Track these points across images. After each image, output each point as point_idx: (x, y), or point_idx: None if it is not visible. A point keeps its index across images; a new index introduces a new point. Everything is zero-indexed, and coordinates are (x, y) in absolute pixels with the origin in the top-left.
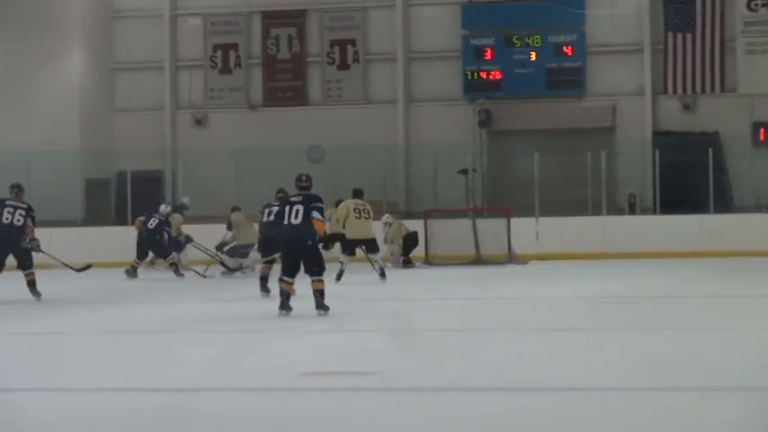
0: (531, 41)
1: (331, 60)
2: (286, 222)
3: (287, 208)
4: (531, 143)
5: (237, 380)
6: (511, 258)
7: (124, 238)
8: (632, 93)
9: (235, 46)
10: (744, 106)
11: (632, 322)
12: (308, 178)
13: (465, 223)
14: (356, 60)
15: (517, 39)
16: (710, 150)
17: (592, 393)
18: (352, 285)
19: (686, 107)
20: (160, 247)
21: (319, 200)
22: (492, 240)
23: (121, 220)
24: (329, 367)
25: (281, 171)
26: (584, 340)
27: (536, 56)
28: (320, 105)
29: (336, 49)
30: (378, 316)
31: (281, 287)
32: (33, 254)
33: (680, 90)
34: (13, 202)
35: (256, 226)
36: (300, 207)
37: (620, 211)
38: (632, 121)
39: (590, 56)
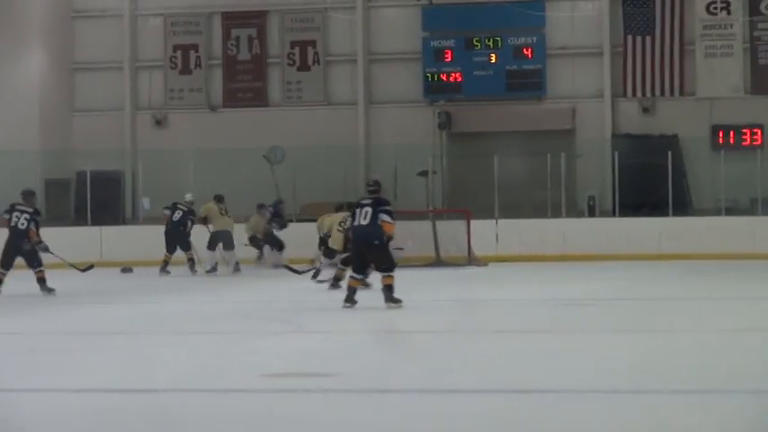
0: (491, 43)
1: (291, 62)
2: (356, 223)
3: (357, 210)
4: (491, 145)
5: (205, 381)
6: (471, 260)
7: (85, 239)
8: (592, 95)
9: (195, 46)
10: (702, 109)
11: (593, 324)
12: (377, 182)
13: (425, 225)
14: (316, 62)
15: (477, 41)
16: (669, 153)
17: (555, 395)
18: (314, 289)
19: (645, 110)
20: (183, 239)
21: (387, 203)
22: (452, 242)
23: (81, 221)
24: (294, 369)
25: (241, 172)
26: (546, 342)
27: (496, 58)
28: (280, 106)
29: (297, 50)
30: (341, 318)
31: (348, 282)
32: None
33: (639, 93)
34: (21, 207)
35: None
36: (369, 209)
37: (579, 214)
38: (592, 123)
39: (550, 58)
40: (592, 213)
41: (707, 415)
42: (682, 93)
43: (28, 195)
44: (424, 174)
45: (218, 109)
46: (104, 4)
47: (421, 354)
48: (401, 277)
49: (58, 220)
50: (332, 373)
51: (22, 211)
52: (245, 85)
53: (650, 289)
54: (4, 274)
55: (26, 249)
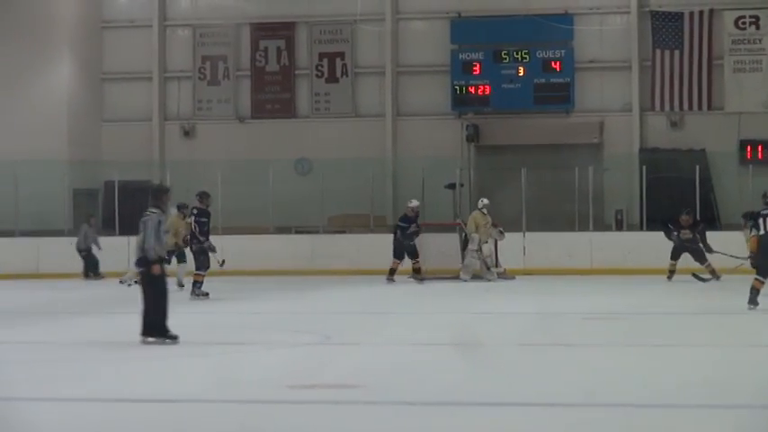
0: (519, 57)
1: (319, 73)
2: (762, 231)
3: (761, 219)
4: (518, 158)
5: (231, 392)
6: (498, 274)
7: (112, 248)
8: (620, 109)
9: (224, 57)
10: (731, 124)
11: (618, 338)
12: None
13: (452, 237)
14: (345, 73)
15: (506, 54)
16: (697, 167)
17: (578, 409)
18: (341, 299)
19: (673, 124)
20: None
21: None
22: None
23: (109, 230)
24: (320, 380)
25: (269, 183)
26: (570, 355)
27: (524, 71)
28: (308, 118)
29: (325, 61)
30: (368, 329)
31: (753, 284)
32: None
33: (667, 107)
34: (195, 208)
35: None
36: None
37: (607, 228)
38: (620, 137)
39: (578, 72)
40: (619, 227)
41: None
42: (710, 107)
43: (202, 196)
44: (451, 186)
45: (246, 120)
46: (133, 15)
47: (445, 366)
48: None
49: None
50: (358, 384)
51: (190, 213)
52: (273, 97)
53: (676, 303)
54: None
55: (193, 250)
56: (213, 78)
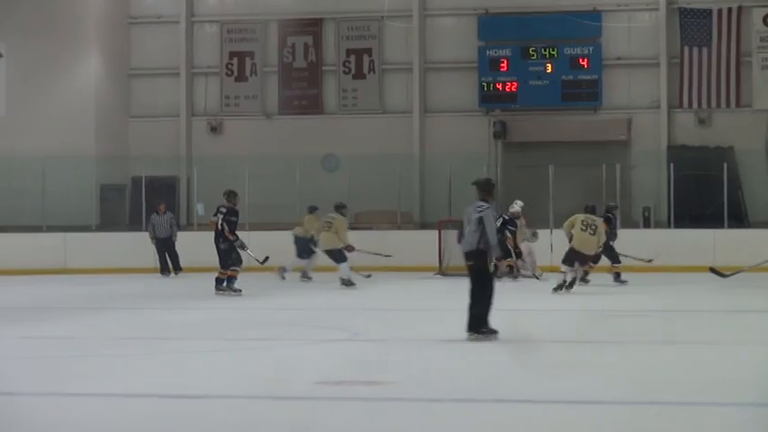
0: (547, 53)
1: (347, 69)
2: None
3: None
4: (546, 155)
5: (259, 388)
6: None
7: (139, 244)
8: (648, 106)
9: (251, 53)
10: (759, 121)
11: (644, 336)
12: None
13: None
14: (372, 70)
15: (533, 51)
16: (725, 165)
17: (603, 406)
18: (369, 296)
19: (701, 121)
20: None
21: None
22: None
23: (136, 226)
24: (349, 377)
25: (296, 180)
26: (595, 353)
27: (552, 68)
28: (335, 114)
29: (352, 58)
30: (396, 326)
31: None
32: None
33: (695, 104)
34: (222, 207)
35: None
36: None
37: (634, 225)
38: (647, 134)
39: (606, 68)
40: (647, 224)
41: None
42: (738, 104)
43: (230, 195)
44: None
45: (274, 116)
46: (160, 11)
47: (472, 363)
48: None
49: (113, 225)
50: (387, 381)
51: (218, 212)
52: (301, 93)
53: (703, 301)
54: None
55: (222, 248)
56: (240, 74)
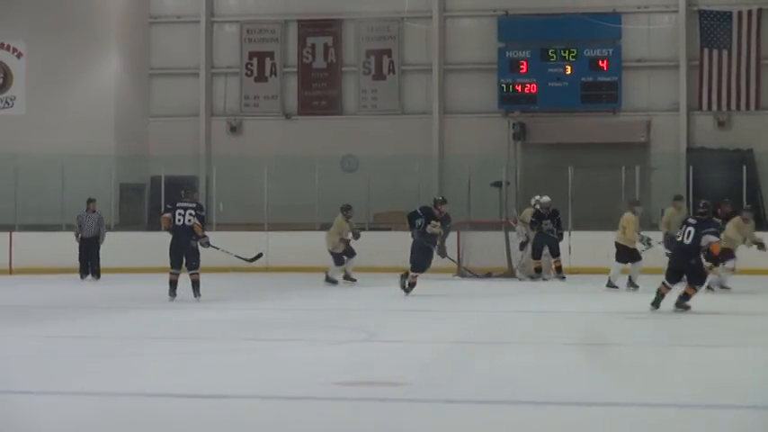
0: (566, 55)
1: (366, 70)
2: (679, 239)
3: (683, 227)
4: (565, 157)
5: (275, 388)
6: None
7: (158, 243)
8: (667, 108)
9: (271, 54)
10: None
11: (660, 338)
12: (705, 205)
13: (498, 236)
14: (392, 71)
15: (553, 52)
16: (744, 168)
17: (616, 408)
18: (385, 296)
19: (721, 124)
20: None
21: (714, 225)
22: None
23: (155, 226)
24: (365, 377)
25: (315, 180)
26: (612, 355)
27: (571, 70)
28: (355, 115)
29: (372, 59)
30: (412, 327)
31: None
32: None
33: (715, 107)
34: (183, 204)
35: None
36: (692, 229)
37: (653, 227)
38: (667, 136)
39: (625, 71)
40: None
41: None
42: (758, 107)
43: (189, 191)
44: (497, 184)
45: (293, 116)
46: (181, 11)
47: (487, 365)
48: (475, 287)
49: (132, 224)
50: (403, 381)
51: (186, 208)
52: (320, 93)
53: (719, 304)
54: (177, 275)
55: (192, 247)
56: (260, 75)
